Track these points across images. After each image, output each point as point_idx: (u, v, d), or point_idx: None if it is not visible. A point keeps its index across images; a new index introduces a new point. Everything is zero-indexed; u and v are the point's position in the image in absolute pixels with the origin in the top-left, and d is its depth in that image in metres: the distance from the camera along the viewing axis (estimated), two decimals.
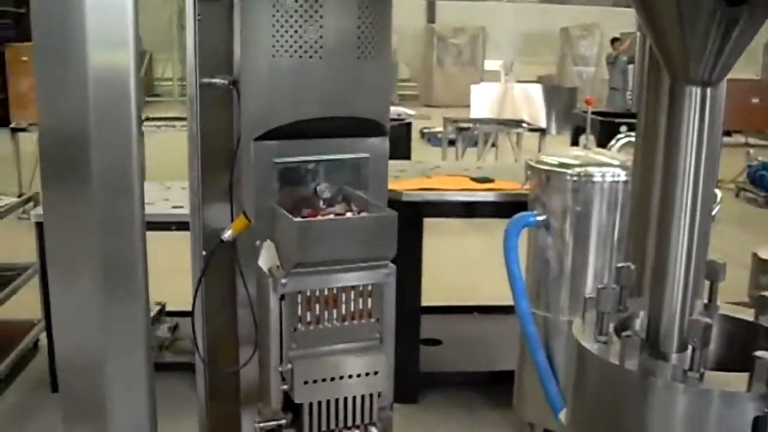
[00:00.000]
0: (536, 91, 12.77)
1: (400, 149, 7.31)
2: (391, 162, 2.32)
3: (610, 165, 3.32)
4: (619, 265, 1.63)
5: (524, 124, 9.51)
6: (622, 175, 3.28)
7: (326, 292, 2.04)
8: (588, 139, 3.66)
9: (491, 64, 19.38)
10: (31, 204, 4.61)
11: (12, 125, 8.15)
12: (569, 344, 3.44)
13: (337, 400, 2.01)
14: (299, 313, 2.00)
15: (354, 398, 2.03)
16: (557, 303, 3.42)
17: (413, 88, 21.22)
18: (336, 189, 2.21)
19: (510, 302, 3.39)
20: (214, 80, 2.22)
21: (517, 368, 3.68)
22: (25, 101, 12.08)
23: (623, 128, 7.42)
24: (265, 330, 2.00)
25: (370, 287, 2.11)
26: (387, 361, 2.10)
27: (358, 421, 2.05)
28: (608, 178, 3.27)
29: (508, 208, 3.65)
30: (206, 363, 2.20)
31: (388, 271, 2.15)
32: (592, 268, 3.34)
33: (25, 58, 12.39)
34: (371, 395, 2.07)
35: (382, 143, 2.31)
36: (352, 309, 2.08)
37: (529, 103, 12.43)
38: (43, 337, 4.34)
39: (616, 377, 1.43)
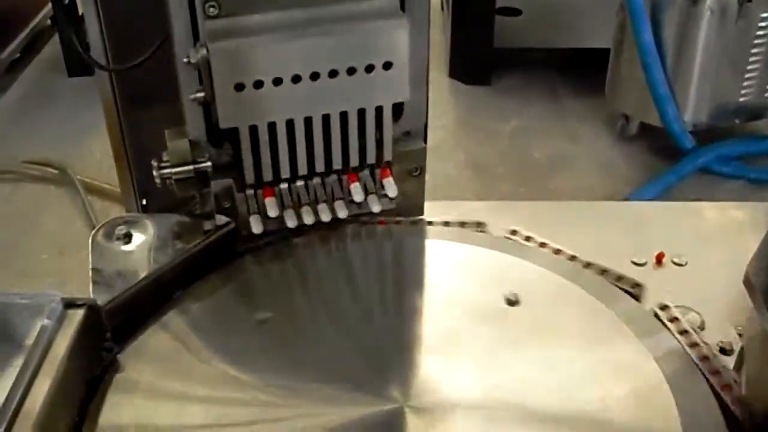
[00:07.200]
0: None
1: None
2: None
3: None
4: None
5: None
6: None
7: None
8: None
9: None
10: None
11: None
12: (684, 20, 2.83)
13: (308, 123, 1.04)
14: None
15: (344, 117, 1.06)
16: None
17: None
18: None
19: None
20: None
21: (612, 47, 3.01)
22: None
23: None
24: None
25: None
26: (413, 39, 1.04)
27: (353, 162, 1.10)
28: None
29: None
30: None
31: None
32: None
33: None
34: (378, 110, 1.07)
35: None
36: None
37: None
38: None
39: None
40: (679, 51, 2.76)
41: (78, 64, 3.66)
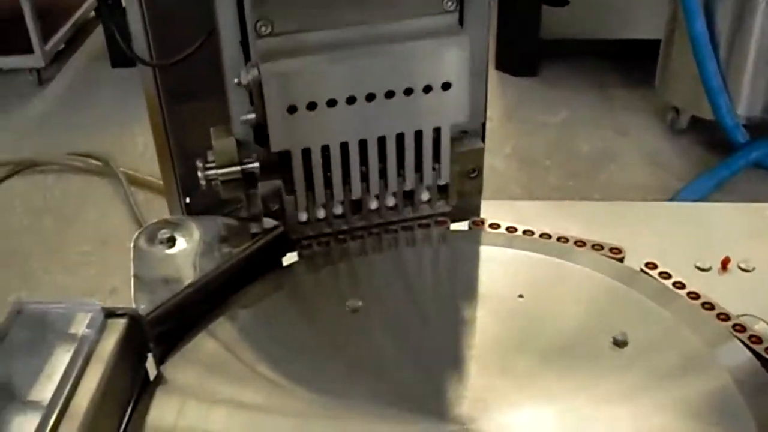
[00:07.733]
0: None
1: None
2: None
3: None
4: None
5: None
6: None
7: None
8: None
9: None
10: None
11: None
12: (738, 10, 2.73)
13: (363, 145, 0.98)
14: None
15: (400, 138, 0.99)
16: None
17: None
18: None
19: None
20: None
21: (663, 38, 2.94)
22: None
23: None
24: None
25: None
26: (469, 59, 0.96)
27: (409, 185, 1.04)
28: None
29: None
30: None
31: None
32: None
33: None
34: (436, 131, 1.01)
35: None
36: None
37: None
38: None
39: None
40: (733, 42, 2.69)
41: (121, 56, 3.66)
